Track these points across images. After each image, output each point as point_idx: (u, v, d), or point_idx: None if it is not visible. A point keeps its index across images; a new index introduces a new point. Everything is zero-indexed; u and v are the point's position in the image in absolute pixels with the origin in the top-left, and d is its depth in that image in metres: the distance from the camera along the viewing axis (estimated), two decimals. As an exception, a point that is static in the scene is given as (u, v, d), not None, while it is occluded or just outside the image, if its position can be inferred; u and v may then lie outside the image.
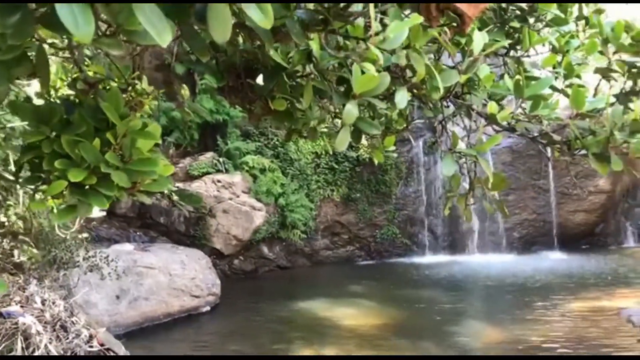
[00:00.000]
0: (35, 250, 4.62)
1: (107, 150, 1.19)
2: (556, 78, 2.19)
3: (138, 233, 11.31)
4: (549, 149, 1.87)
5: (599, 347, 6.69)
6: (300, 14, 1.15)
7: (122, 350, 6.01)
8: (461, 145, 1.81)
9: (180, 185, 11.83)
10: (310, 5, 1.13)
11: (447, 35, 1.57)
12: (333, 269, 12.82)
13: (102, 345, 4.83)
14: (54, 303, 4.67)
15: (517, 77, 1.77)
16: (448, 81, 1.58)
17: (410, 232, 13.78)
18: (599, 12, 2.49)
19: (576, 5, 2.46)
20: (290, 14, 1.07)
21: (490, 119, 1.72)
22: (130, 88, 2.14)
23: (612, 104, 1.83)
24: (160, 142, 1.27)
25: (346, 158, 13.21)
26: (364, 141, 2.08)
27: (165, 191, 11.58)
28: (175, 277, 8.34)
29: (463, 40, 1.58)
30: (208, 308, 8.81)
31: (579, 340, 6.95)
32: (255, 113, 1.65)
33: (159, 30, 0.89)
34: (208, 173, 12.00)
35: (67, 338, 4.37)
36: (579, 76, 2.23)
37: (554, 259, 12.65)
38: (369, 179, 13.49)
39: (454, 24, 1.24)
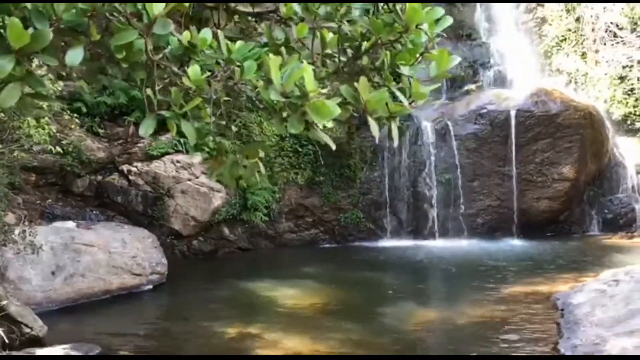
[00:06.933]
0: None
1: None
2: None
3: (95, 212, 11.35)
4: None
5: (517, 328, 6.75)
6: None
7: (37, 324, 6.08)
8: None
9: (139, 165, 11.86)
10: None
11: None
12: (295, 252, 12.86)
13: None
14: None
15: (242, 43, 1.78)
16: (123, 39, 1.60)
17: (375, 216, 13.78)
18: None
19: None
20: None
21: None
22: None
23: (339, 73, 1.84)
24: None
25: (310, 141, 13.17)
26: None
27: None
28: (115, 255, 8.39)
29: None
30: (150, 287, 8.87)
31: (502, 322, 7.01)
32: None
33: None
34: (167, 153, 12.00)
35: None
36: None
37: (512, 245, 12.69)
38: (334, 162, 13.46)
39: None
